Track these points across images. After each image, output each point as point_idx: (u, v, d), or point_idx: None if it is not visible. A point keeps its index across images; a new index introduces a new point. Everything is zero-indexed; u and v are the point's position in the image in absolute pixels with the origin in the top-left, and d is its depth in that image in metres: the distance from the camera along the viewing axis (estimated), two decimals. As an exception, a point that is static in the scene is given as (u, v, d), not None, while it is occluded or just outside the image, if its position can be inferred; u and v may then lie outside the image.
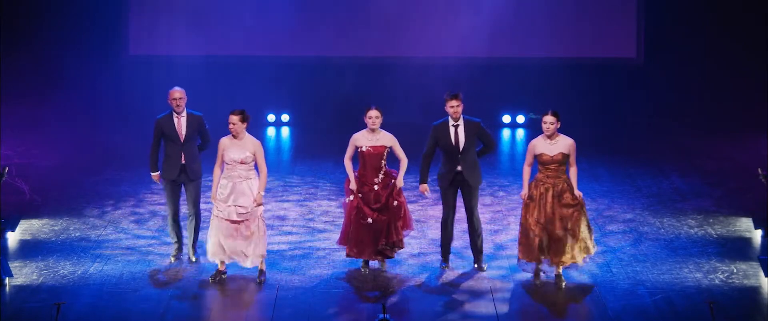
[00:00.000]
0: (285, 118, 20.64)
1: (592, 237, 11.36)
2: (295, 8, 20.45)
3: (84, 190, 15.23)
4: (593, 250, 11.35)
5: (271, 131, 20.23)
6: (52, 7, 19.87)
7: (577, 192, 11.24)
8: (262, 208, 11.29)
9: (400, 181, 11.58)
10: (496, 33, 20.46)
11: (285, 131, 20.28)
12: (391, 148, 11.54)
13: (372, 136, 11.51)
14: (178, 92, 11.87)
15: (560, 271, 11.27)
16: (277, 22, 20.41)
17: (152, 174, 12.05)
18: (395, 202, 11.54)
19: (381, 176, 11.54)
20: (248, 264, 11.30)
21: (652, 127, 19.80)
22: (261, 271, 11.36)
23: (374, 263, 11.74)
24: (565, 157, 11.24)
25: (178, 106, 11.83)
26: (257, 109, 20.06)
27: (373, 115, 11.48)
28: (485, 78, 20.13)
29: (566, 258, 11.18)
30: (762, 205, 13.59)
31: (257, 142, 11.34)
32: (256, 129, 19.93)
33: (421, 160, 11.79)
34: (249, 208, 11.18)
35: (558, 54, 20.57)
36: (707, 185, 15.59)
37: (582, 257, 11.25)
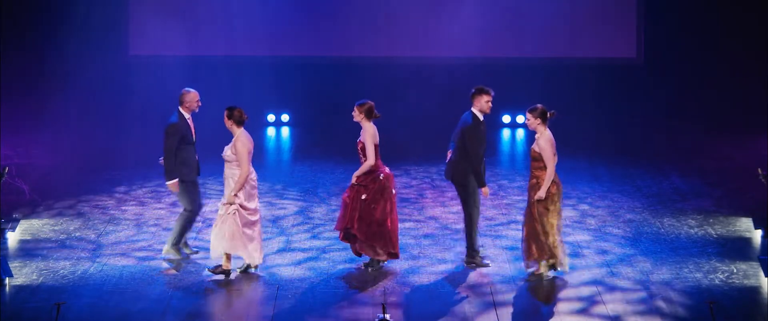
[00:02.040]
0: (285, 118, 20.64)
1: (550, 245, 11.21)
2: (295, 8, 20.45)
3: (84, 190, 15.22)
4: (550, 258, 11.24)
5: (271, 131, 20.22)
6: (52, 7, 19.86)
7: (539, 193, 11.19)
8: (232, 208, 11.23)
9: (353, 177, 11.56)
10: (497, 33, 20.47)
11: (285, 131, 20.28)
12: (364, 144, 11.52)
13: (361, 130, 11.59)
14: (197, 94, 11.89)
15: (527, 269, 11.35)
16: (277, 22, 20.41)
17: (170, 182, 11.78)
18: (344, 194, 11.59)
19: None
20: (211, 254, 11.42)
21: (652, 127, 19.80)
22: (220, 267, 11.37)
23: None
24: (537, 154, 11.20)
25: (198, 106, 11.85)
26: (257, 109, 20.05)
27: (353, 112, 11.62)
28: (485, 78, 20.10)
29: (526, 256, 11.21)
30: (762, 205, 13.59)
31: (241, 141, 11.22)
32: (256, 129, 19.94)
33: (477, 164, 11.54)
34: (222, 205, 11.30)
35: (558, 54, 20.57)
36: (707, 185, 15.58)
37: (544, 265, 11.25)
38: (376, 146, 11.51)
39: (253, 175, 11.40)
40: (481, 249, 11.92)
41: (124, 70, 20.24)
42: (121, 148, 17.90)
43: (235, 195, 11.22)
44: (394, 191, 11.65)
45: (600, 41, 20.66)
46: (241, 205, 11.25)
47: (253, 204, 11.37)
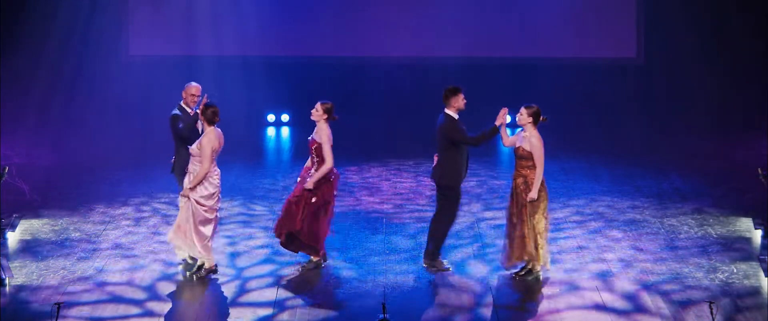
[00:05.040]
0: (285, 118, 20.65)
1: (534, 247, 11.18)
2: (295, 8, 20.46)
3: (84, 190, 15.23)
4: (541, 261, 11.23)
5: (271, 131, 20.22)
6: (53, 8, 19.87)
7: (531, 194, 11.18)
8: (185, 200, 11.20)
9: (309, 182, 11.43)
10: (496, 33, 20.48)
11: (285, 131, 20.27)
12: (319, 145, 11.44)
13: (316, 129, 11.53)
14: (197, 89, 11.87)
15: (509, 269, 11.35)
16: (277, 22, 20.42)
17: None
18: (293, 197, 11.48)
19: (313, 171, 11.51)
20: (177, 256, 11.44)
21: (652, 127, 19.81)
22: (197, 265, 11.35)
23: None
24: (526, 153, 11.18)
25: (194, 102, 11.84)
26: (257, 109, 20.07)
27: (313, 109, 11.53)
28: (486, 78, 20.14)
29: (514, 257, 11.21)
30: (762, 205, 13.59)
31: (207, 138, 11.13)
32: (256, 129, 19.94)
33: (477, 138, 11.39)
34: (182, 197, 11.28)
35: (558, 54, 20.58)
36: (707, 185, 15.58)
37: (534, 263, 11.25)
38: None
39: (216, 174, 11.32)
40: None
41: (124, 70, 20.25)
42: (121, 148, 17.89)
43: (192, 189, 11.19)
44: (336, 193, 11.64)
45: (600, 41, 20.67)
46: (197, 201, 11.22)
47: (211, 202, 11.30)
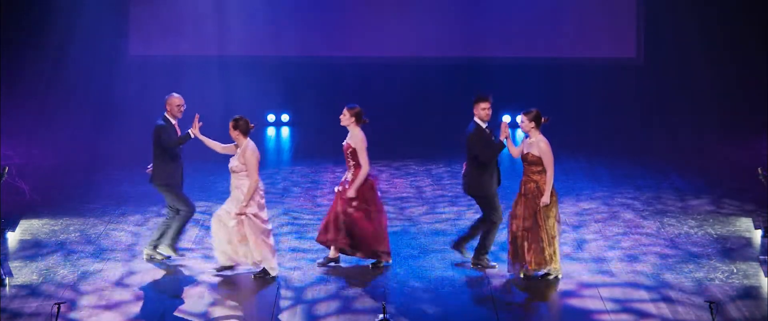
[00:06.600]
0: (285, 118, 20.65)
1: (551, 251, 11.17)
2: (295, 8, 20.46)
3: (84, 190, 15.23)
4: (551, 264, 11.22)
5: (271, 131, 20.22)
6: (52, 8, 19.86)
7: (544, 198, 11.17)
8: (242, 218, 11.18)
9: (350, 191, 11.47)
10: (496, 33, 20.47)
11: (285, 131, 20.27)
12: (354, 149, 11.46)
13: (349, 133, 11.53)
14: (181, 99, 11.81)
15: (522, 274, 11.30)
16: (276, 22, 20.42)
17: (192, 131, 11.53)
18: (350, 210, 11.49)
19: (349, 175, 11.53)
20: (250, 264, 11.46)
21: (652, 127, 19.80)
22: (263, 270, 11.40)
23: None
24: (535, 158, 11.18)
25: (180, 112, 11.79)
26: (257, 109, 20.07)
27: (341, 114, 11.54)
28: (485, 78, 20.14)
29: (526, 260, 11.17)
30: (762, 205, 13.59)
31: (250, 150, 11.18)
32: (256, 129, 19.93)
33: (490, 156, 11.49)
34: (232, 214, 11.22)
35: (558, 54, 20.58)
36: (707, 185, 15.59)
37: (543, 267, 11.22)
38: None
39: (261, 185, 11.35)
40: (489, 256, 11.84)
41: (124, 70, 20.24)
42: (120, 148, 17.88)
43: (246, 205, 11.18)
44: (378, 194, 11.67)
45: (600, 41, 20.67)
46: (254, 215, 11.22)
47: (265, 214, 11.34)
